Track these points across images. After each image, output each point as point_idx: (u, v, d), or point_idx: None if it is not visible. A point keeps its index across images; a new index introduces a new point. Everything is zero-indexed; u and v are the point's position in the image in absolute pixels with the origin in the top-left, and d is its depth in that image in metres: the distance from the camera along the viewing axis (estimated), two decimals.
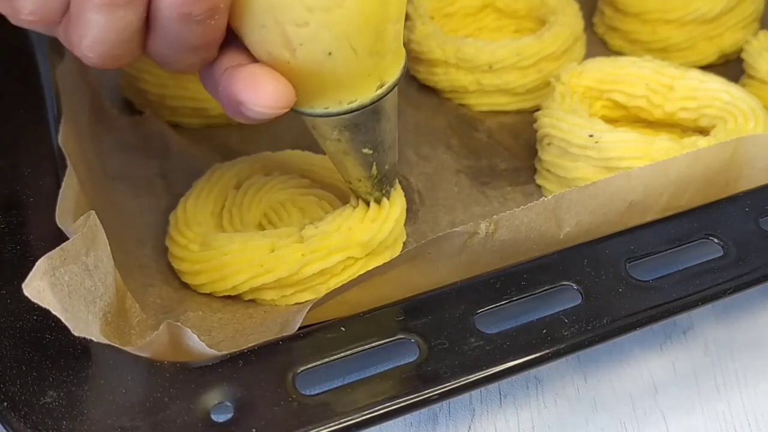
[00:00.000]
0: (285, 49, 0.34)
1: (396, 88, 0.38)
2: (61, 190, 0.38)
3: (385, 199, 0.44)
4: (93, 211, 0.35)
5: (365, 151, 0.40)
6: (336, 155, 0.41)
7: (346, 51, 0.35)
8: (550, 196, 0.39)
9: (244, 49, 0.36)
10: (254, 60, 0.35)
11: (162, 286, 0.43)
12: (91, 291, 0.33)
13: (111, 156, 0.51)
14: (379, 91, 0.37)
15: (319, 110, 0.37)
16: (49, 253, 0.32)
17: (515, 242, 0.39)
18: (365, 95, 0.37)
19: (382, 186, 0.43)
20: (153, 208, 0.47)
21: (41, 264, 0.31)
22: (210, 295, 0.43)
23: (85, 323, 0.32)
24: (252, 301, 0.43)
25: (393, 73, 0.38)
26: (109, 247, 0.35)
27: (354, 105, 0.37)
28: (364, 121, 0.38)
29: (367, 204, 0.44)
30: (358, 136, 0.39)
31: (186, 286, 0.43)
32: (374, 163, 0.41)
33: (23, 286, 0.30)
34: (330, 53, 0.35)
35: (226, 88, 0.35)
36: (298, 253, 0.42)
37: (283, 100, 0.34)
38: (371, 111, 0.38)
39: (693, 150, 0.43)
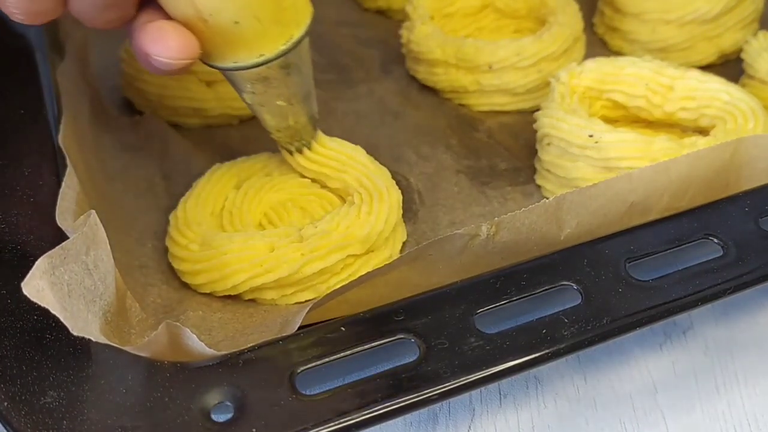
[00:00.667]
0: (197, 19, 0.38)
1: (305, 42, 0.41)
2: (61, 190, 0.38)
3: (380, 191, 0.45)
4: (93, 211, 0.35)
5: (279, 103, 0.43)
6: (254, 107, 0.44)
7: (251, 20, 0.38)
8: (551, 198, 0.40)
9: (161, 8, 0.38)
10: (169, 18, 0.38)
11: (162, 286, 0.43)
12: (91, 290, 0.33)
13: (111, 156, 0.51)
14: (284, 47, 0.40)
15: (230, 64, 0.40)
16: (49, 252, 0.32)
17: (516, 244, 0.39)
18: (272, 50, 0.40)
19: (301, 136, 0.46)
20: (153, 208, 0.48)
21: (41, 263, 0.31)
22: (210, 294, 0.43)
23: (84, 322, 0.32)
24: (252, 300, 0.43)
25: (299, 28, 0.41)
26: (109, 247, 0.35)
27: (261, 59, 0.40)
28: (273, 75, 0.41)
29: (289, 152, 0.47)
30: (270, 89, 0.42)
31: (186, 285, 0.43)
32: (289, 115, 0.44)
33: (22, 285, 0.30)
34: (237, 22, 0.38)
35: (137, 41, 0.38)
36: (297, 253, 0.42)
37: (186, 53, 0.38)
38: (279, 65, 0.41)
39: (693, 151, 0.43)
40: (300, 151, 0.47)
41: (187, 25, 0.38)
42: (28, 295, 0.30)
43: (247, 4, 0.38)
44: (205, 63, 0.41)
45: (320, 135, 0.47)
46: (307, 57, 0.43)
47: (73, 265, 0.32)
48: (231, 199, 0.47)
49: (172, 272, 0.44)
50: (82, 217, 0.35)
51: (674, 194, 0.42)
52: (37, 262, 0.31)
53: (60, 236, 0.39)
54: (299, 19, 0.41)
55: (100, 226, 0.35)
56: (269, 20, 0.39)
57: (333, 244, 0.42)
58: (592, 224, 0.40)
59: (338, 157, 0.47)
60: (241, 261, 0.41)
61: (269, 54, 0.40)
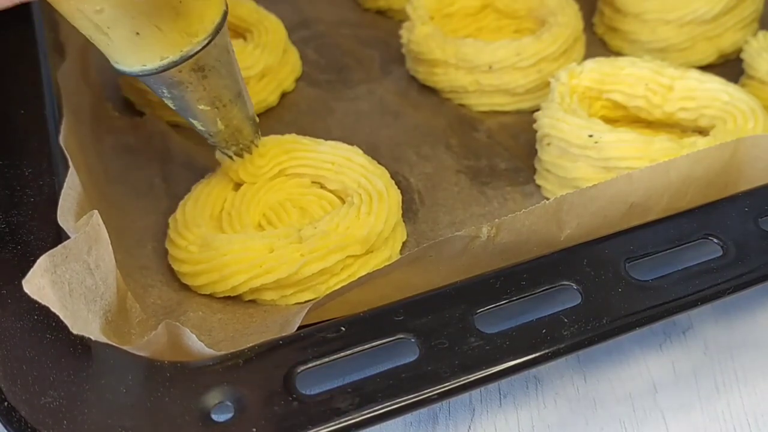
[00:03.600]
0: (98, 33, 0.37)
1: (222, 43, 0.40)
2: (63, 190, 0.38)
3: (379, 192, 0.44)
4: (96, 211, 0.35)
5: (202, 107, 0.42)
6: (178, 112, 0.43)
7: (151, 29, 0.37)
8: (551, 199, 0.40)
9: None
10: None
11: (162, 287, 0.43)
12: (92, 290, 0.33)
13: (112, 157, 0.51)
14: (189, 48, 0.39)
15: (137, 69, 0.39)
16: (51, 250, 0.32)
17: (516, 245, 0.39)
18: (175, 53, 0.39)
19: (237, 140, 0.45)
20: (153, 210, 0.48)
21: (42, 261, 0.31)
22: (210, 296, 0.43)
23: (84, 322, 0.32)
24: (252, 301, 0.43)
25: (205, 30, 0.39)
26: (110, 247, 0.35)
27: (166, 62, 0.39)
28: (186, 78, 0.40)
29: (230, 157, 0.46)
30: (188, 93, 0.41)
31: (186, 287, 0.43)
32: (218, 119, 0.43)
33: (23, 282, 0.30)
34: (138, 33, 0.37)
35: None
36: (297, 254, 0.42)
37: None
38: (191, 68, 0.40)
39: (693, 151, 0.43)
40: (240, 155, 0.46)
41: (91, 37, 0.38)
42: (29, 293, 0.30)
43: (143, 15, 0.37)
44: (116, 69, 0.40)
45: (261, 139, 0.47)
46: (227, 57, 0.42)
47: (74, 264, 0.32)
48: (230, 200, 0.47)
49: (172, 273, 0.44)
50: (84, 217, 0.35)
51: (674, 195, 0.42)
52: (38, 260, 0.31)
53: (60, 236, 0.39)
54: (205, 20, 0.40)
55: (103, 226, 0.35)
56: (169, 27, 0.38)
57: (332, 244, 0.42)
58: (592, 225, 0.40)
59: (335, 159, 0.47)
60: (240, 262, 0.41)
61: (173, 56, 0.39)
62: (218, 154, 0.47)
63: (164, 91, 0.41)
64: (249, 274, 0.41)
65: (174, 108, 0.42)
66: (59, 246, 0.32)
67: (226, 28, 0.41)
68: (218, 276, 0.42)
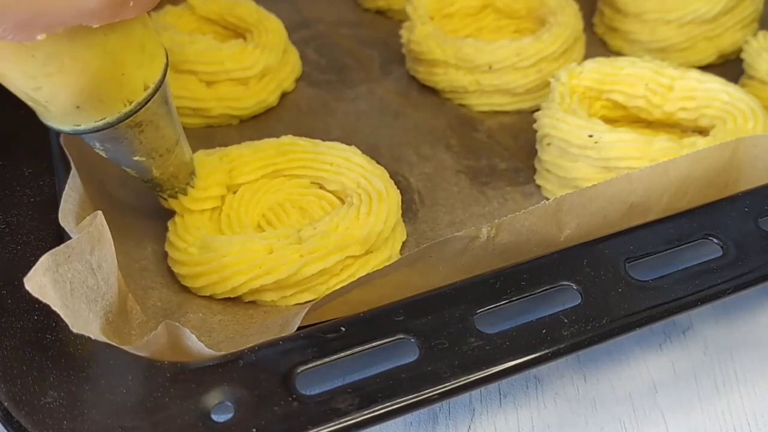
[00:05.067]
0: (35, 103, 0.35)
1: (162, 93, 0.39)
2: (64, 191, 0.38)
3: (379, 192, 0.44)
4: (100, 212, 0.35)
5: (137, 159, 0.40)
6: (111, 161, 0.41)
7: (93, 101, 0.35)
8: (550, 199, 0.40)
9: None
10: None
11: (162, 289, 0.43)
12: (94, 290, 0.33)
13: None
14: (127, 109, 0.37)
15: (69, 128, 0.37)
16: (53, 249, 0.32)
17: (516, 245, 0.39)
18: (113, 114, 0.37)
19: (173, 184, 0.44)
20: (153, 211, 0.47)
21: (45, 260, 0.31)
22: (210, 297, 0.43)
23: (85, 321, 0.32)
24: (252, 302, 0.43)
25: (145, 90, 0.37)
26: (113, 248, 0.35)
27: (102, 123, 0.37)
28: (122, 134, 0.38)
29: (165, 200, 0.44)
30: (123, 147, 0.39)
31: (186, 289, 0.43)
32: (152, 167, 0.41)
33: (25, 280, 0.30)
34: (78, 107, 0.35)
35: None
36: (296, 254, 0.42)
37: None
38: (128, 125, 0.38)
39: (693, 151, 0.43)
40: (175, 197, 0.45)
41: (25, 100, 0.35)
42: (30, 291, 0.30)
43: (85, 93, 0.35)
44: (45, 124, 0.37)
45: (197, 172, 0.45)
46: (165, 108, 0.40)
47: (77, 263, 0.32)
48: (229, 201, 0.46)
49: (172, 275, 0.44)
50: (89, 217, 0.35)
51: (674, 195, 0.42)
52: (41, 259, 0.31)
53: (60, 237, 0.39)
54: (148, 82, 0.38)
55: (106, 227, 0.35)
56: (111, 98, 0.36)
57: (332, 245, 0.42)
58: (592, 225, 0.40)
59: (333, 159, 0.47)
60: (240, 263, 0.41)
61: (110, 118, 0.37)
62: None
63: (96, 144, 0.39)
64: (249, 276, 0.41)
65: (106, 157, 0.40)
66: (62, 245, 0.32)
67: (167, 80, 0.39)
68: (218, 277, 0.42)
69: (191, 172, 0.45)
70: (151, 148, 0.40)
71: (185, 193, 0.44)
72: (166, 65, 0.39)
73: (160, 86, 0.38)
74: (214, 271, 0.42)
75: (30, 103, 0.36)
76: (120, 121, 0.37)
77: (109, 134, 0.38)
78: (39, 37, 0.31)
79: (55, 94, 0.34)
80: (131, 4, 0.33)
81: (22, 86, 0.34)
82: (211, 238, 0.43)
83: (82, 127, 0.37)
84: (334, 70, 0.62)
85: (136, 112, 0.37)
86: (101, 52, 0.34)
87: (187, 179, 0.44)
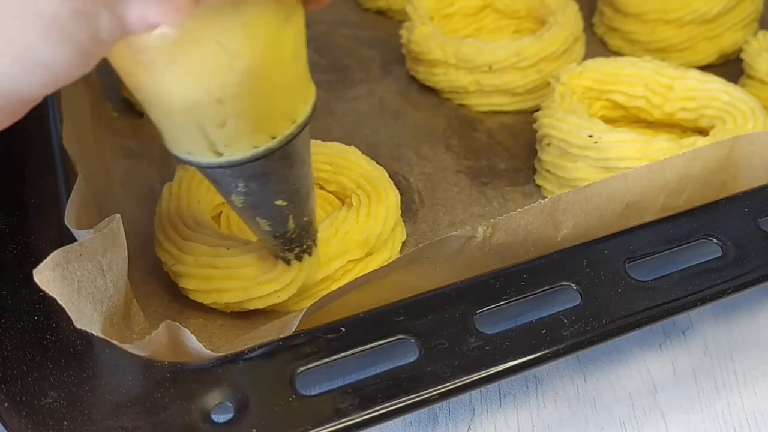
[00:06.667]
0: (210, 151, 0.31)
1: (307, 127, 0.33)
2: (72, 195, 0.38)
3: (378, 192, 0.44)
4: (118, 215, 0.35)
5: (278, 203, 0.35)
6: (245, 211, 0.36)
7: (266, 121, 0.31)
8: (546, 199, 0.40)
9: None
10: None
11: (164, 294, 0.43)
12: (101, 290, 0.33)
13: (112, 161, 0.51)
14: (289, 132, 0.32)
15: (216, 160, 0.31)
16: (66, 246, 0.32)
17: (513, 245, 0.39)
18: (274, 138, 0.32)
19: (302, 241, 0.39)
20: (153, 216, 0.47)
21: (56, 255, 0.31)
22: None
23: (89, 319, 0.32)
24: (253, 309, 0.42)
25: (306, 108, 0.33)
26: (126, 253, 0.35)
27: (261, 149, 0.31)
28: (273, 168, 0.33)
29: (286, 262, 0.40)
30: (269, 186, 0.34)
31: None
32: (290, 216, 0.36)
33: (34, 272, 0.30)
34: (254, 129, 0.31)
35: None
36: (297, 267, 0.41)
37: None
38: (281, 156, 0.32)
39: (689, 150, 0.43)
40: (300, 259, 0.40)
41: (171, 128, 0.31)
42: (38, 283, 0.30)
43: (266, 108, 0.30)
44: (180, 159, 0.32)
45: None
46: (308, 143, 0.35)
47: (87, 263, 0.32)
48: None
49: (173, 281, 0.43)
50: (106, 219, 0.35)
51: (671, 193, 0.42)
52: (52, 254, 0.31)
53: (62, 237, 0.39)
54: (308, 99, 0.33)
55: (122, 230, 0.35)
56: (282, 114, 0.31)
57: (333, 251, 0.42)
58: (589, 225, 0.40)
59: (333, 160, 0.47)
60: (240, 278, 0.40)
61: (269, 144, 0.31)
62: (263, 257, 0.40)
63: (240, 185, 0.33)
64: (249, 291, 0.40)
65: (236, 206, 0.35)
66: (75, 243, 0.32)
67: None
68: (217, 294, 0.41)
69: (316, 227, 0.40)
70: (295, 189, 0.35)
71: (310, 253, 0.40)
72: (315, 91, 0.34)
73: (315, 109, 0.33)
74: (214, 289, 0.41)
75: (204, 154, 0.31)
76: (282, 145, 0.32)
77: (260, 168, 0.32)
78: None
79: (242, 115, 0.30)
80: None
81: (207, 118, 0.29)
82: (213, 251, 0.41)
83: (236, 157, 0.31)
84: (334, 70, 0.62)
85: (296, 135, 0.32)
86: (284, 58, 0.30)
87: (314, 235, 0.40)
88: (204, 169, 0.32)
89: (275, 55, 0.29)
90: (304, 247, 0.39)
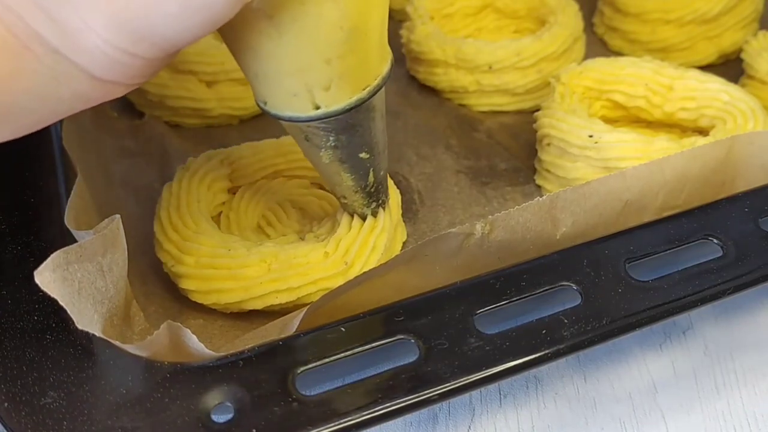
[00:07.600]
0: (312, 105, 0.35)
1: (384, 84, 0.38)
2: (71, 195, 0.38)
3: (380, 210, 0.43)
4: (118, 216, 0.35)
5: (362, 155, 0.39)
6: (331, 166, 0.39)
7: (357, 74, 0.35)
8: (545, 196, 0.39)
9: None
10: None
11: (164, 294, 0.43)
12: (102, 291, 0.33)
13: (112, 161, 0.51)
14: (376, 82, 0.36)
15: (314, 113, 0.35)
16: (66, 247, 0.32)
17: (512, 243, 0.39)
18: (369, 84, 0.36)
19: (378, 195, 0.42)
20: (153, 217, 0.47)
21: (56, 256, 0.31)
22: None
23: (89, 320, 0.32)
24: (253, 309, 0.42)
25: (384, 66, 0.37)
26: (126, 253, 0.35)
27: (354, 99, 0.35)
28: (360, 119, 0.37)
29: (363, 218, 0.42)
30: (355, 138, 0.38)
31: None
32: (371, 169, 0.40)
33: (35, 273, 0.30)
34: (349, 98, 0.35)
35: None
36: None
37: None
38: (367, 108, 0.37)
39: (688, 149, 0.43)
40: (375, 215, 0.42)
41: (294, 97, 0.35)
42: (38, 284, 0.30)
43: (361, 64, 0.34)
44: (280, 118, 0.36)
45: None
46: (384, 99, 0.38)
47: (87, 264, 0.32)
48: (228, 202, 0.46)
49: (172, 282, 0.43)
50: (106, 220, 0.35)
51: (670, 192, 0.42)
52: (52, 255, 0.31)
53: (63, 237, 0.39)
54: (386, 53, 0.37)
55: (122, 231, 0.35)
56: (371, 67, 0.35)
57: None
58: (588, 223, 0.40)
59: None
60: (241, 278, 0.40)
61: (360, 94, 0.35)
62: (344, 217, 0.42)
63: (331, 138, 0.37)
64: (249, 294, 0.41)
65: (324, 163, 0.39)
66: (75, 244, 0.32)
67: None
68: (217, 295, 0.41)
69: (387, 184, 0.43)
70: (375, 141, 0.39)
71: (384, 207, 0.42)
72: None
73: (392, 61, 0.38)
74: (214, 290, 0.41)
75: (285, 90, 0.34)
76: (370, 96, 0.36)
77: (351, 119, 0.36)
78: None
79: (344, 71, 0.34)
80: None
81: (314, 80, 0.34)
82: (213, 251, 0.41)
83: (333, 108, 0.35)
84: None
85: (380, 88, 0.36)
86: (378, 18, 0.34)
87: (387, 191, 0.43)
88: (302, 124, 0.36)
89: (374, 15, 0.34)
90: (380, 202, 0.42)
